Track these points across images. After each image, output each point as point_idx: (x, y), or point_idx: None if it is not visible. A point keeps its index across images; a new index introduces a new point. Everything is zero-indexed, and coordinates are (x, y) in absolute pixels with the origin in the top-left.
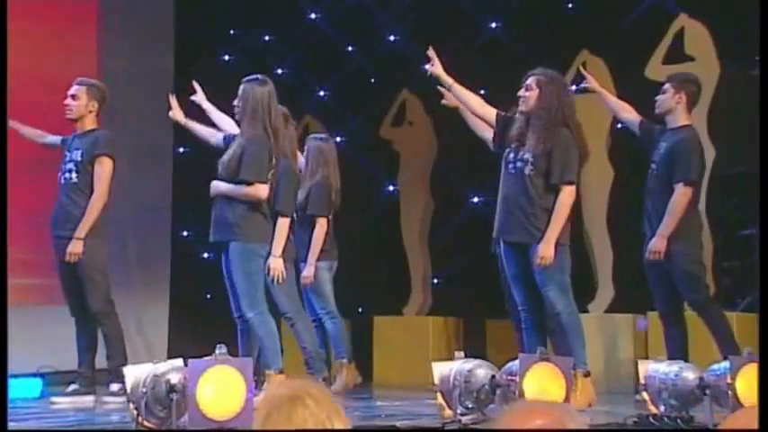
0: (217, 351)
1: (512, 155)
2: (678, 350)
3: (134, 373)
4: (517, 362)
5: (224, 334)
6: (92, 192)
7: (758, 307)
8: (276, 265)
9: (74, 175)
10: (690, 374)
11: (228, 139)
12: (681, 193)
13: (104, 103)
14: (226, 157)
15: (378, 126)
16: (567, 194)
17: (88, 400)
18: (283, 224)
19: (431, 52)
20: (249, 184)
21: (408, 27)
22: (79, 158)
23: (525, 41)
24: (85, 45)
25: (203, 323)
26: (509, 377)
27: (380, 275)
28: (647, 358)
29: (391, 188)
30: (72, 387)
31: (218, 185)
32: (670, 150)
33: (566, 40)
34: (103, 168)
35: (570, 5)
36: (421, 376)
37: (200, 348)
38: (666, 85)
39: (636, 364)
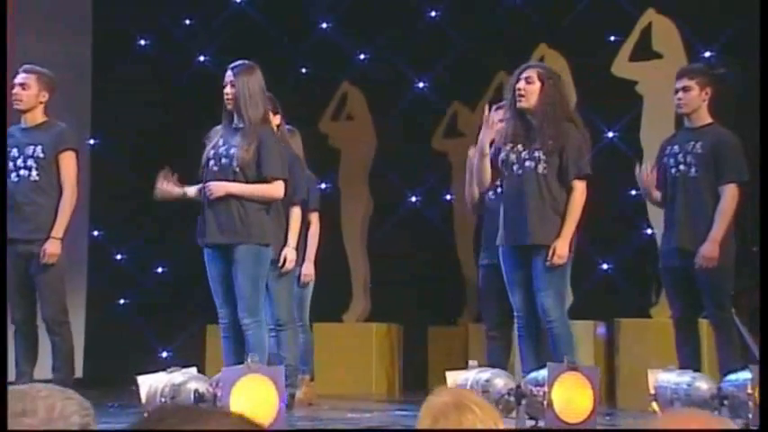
0: (248, 360)
1: (513, 156)
2: (694, 360)
3: (148, 383)
4: (542, 371)
5: (142, 340)
6: (55, 190)
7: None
8: (293, 256)
9: (34, 172)
10: (703, 384)
11: (221, 136)
12: (732, 195)
13: (53, 94)
14: (235, 150)
15: (312, 119)
16: (580, 191)
17: None
18: (297, 214)
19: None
20: (267, 181)
21: (342, 14)
22: (41, 155)
23: (469, 32)
24: None
25: (118, 329)
26: (535, 387)
27: (319, 279)
28: (615, 365)
29: (323, 186)
30: None
31: (227, 187)
32: (713, 150)
33: (519, 31)
34: (70, 163)
35: None
36: (364, 385)
37: (119, 358)
38: (689, 82)
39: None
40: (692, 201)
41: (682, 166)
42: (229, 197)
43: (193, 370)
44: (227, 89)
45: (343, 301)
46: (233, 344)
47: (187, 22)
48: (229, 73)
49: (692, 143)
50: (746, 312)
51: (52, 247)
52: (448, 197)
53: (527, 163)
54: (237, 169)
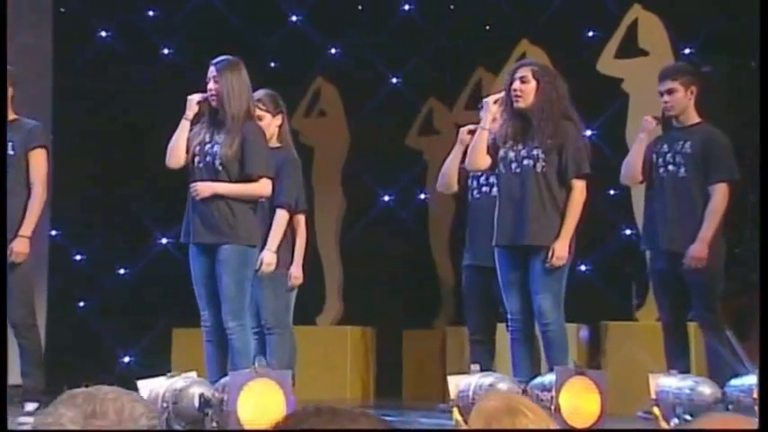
0: (256, 364)
1: (512, 153)
2: (684, 364)
3: (149, 387)
4: (548, 376)
5: (103, 345)
6: (23, 188)
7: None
8: (270, 259)
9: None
10: (706, 389)
11: (207, 133)
12: (723, 195)
13: (15, 87)
14: (218, 147)
15: None
16: (579, 190)
17: None
18: (282, 217)
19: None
20: (253, 180)
21: (312, 6)
22: (11, 152)
23: (445, 26)
24: None
25: (77, 333)
26: (542, 392)
27: None
28: (598, 368)
29: None
30: None
31: (213, 187)
32: (703, 149)
33: (498, 25)
34: (40, 161)
35: None
36: (338, 390)
37: (79, 363)
38: (673, 84)
39: None
40: (680, 201)
41: (671, 167)
42: (216, 196)
43: (194, 374)
44: (211, 85)
45: (317, 303)
46: (216, 348)
47: (150, 13)
48: (212, 69)
49: (681, 143)
50: (733, 316)
51: (20, 246)
52: (422, 196)
53: (525, 161)
54: (220, 167)
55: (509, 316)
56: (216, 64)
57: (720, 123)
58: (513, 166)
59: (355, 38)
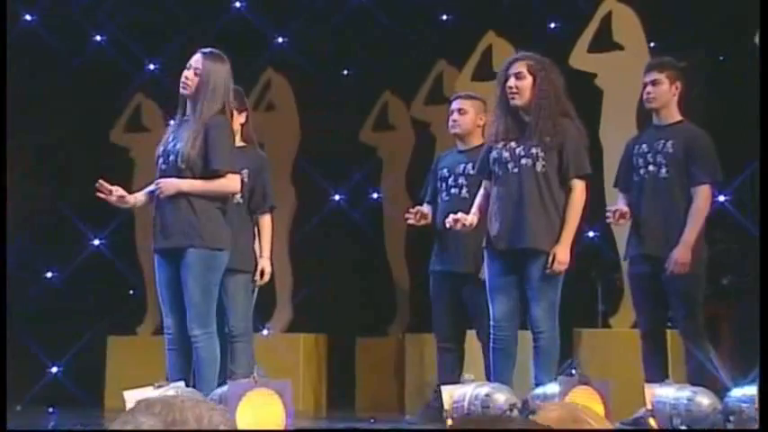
0: (255, 373)
1: (506, 153)
2: (662, 372)
3: (135, 398)
4: (549, 386)
5: (27, 355)
6: None
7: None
8: (270, 268)
9: None
10: (704, 400)
11: (172, 131)
12: (706, 196)
13: None
14: (181, 145)
15: None
16: (579, 191)
17: None
18: (268, 222)
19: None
20: (220, 175)
21: None
22: None
23: (401, 15)
24: None
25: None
26: (543, 402)
27: None
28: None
29: None
30: None
31: (177, 183)
32: (685, 149)
33: (460, 15)
34: None
35: None
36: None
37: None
38: (659, 76)
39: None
40: (661, 203)
41: (651, 167)
42: (180, 196)
43: (182, 384)
44: (189, 73)
45: (267, 309)
46: (179, 358)
47: None
48: (198, 57)
49: (662, 142)
50: (705, 321)
51: None
52: (375, 195)
53: (523, 160)
54: (183, 166)
55: (492, 323)
56: (204, 53)
57: (695, 121)
58: (510, 165)
59: (303, 26)
